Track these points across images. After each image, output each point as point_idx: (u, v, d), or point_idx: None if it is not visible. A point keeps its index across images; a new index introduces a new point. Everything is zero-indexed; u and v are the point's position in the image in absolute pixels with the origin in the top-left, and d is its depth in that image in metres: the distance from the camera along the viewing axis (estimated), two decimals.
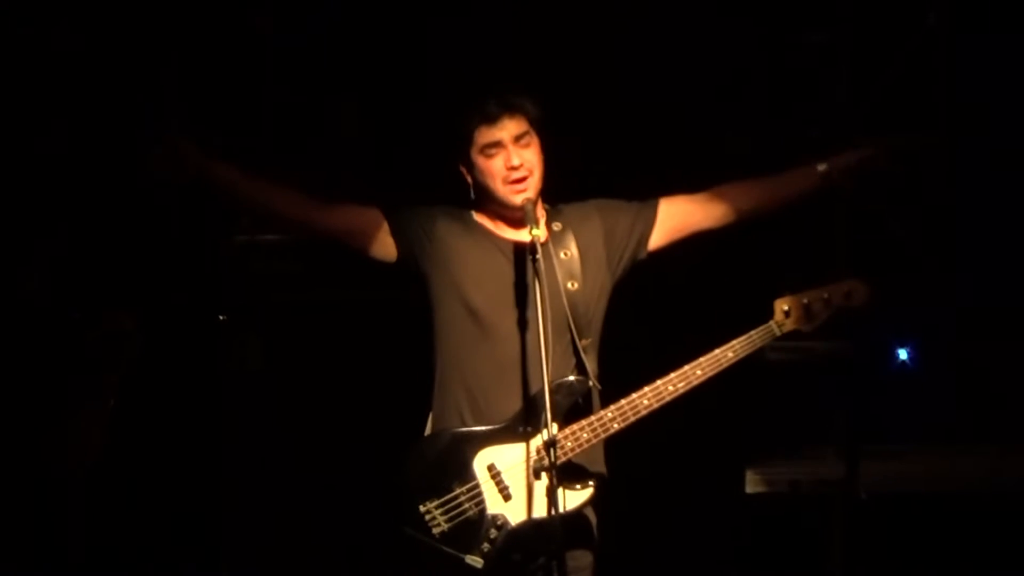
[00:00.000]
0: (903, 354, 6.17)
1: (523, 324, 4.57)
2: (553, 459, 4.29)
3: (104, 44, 5.59)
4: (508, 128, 4.63)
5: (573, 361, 4.62)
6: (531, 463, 4.48)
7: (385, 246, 4.69)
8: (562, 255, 4.67)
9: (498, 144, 4.63)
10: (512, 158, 4.62)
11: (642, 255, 4.78)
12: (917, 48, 6.19)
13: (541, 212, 4.70)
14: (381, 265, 4.70)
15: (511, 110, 4.65)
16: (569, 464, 4.53)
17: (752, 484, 6.29)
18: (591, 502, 4.56)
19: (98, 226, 5.36)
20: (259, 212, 4.79)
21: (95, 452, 4.78)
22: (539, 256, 4.45)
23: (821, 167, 4.83)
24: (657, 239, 4.78)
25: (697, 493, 6.19)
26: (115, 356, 4.85)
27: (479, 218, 4.74)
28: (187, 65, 5.70)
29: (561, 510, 4.39)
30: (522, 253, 4.59)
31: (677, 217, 4.79)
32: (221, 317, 5.83)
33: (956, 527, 6.26)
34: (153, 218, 5.67)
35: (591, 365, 4.64)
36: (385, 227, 4.68)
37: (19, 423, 4.58)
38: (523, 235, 4.56)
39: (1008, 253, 6.22)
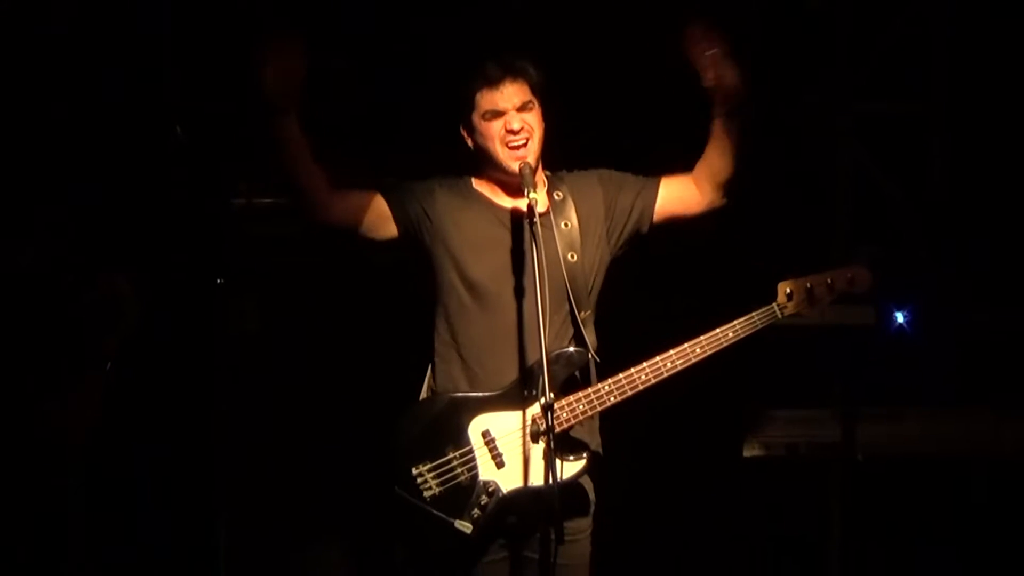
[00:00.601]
0: (900, 317, 6.17)
1: (520, 291, 4.55)
2: (550, 422, 4.27)
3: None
4: (510, 93, 4.61)
5: (571, 332, 4.61)
6: (527, 428, 4.48)
7: (387, 230, 4.67)
8: (563, 225, 4.64)
9: (500, 113, 4.61)
10: (512, 122, 4.59)
11: (644, 231, 4.76)
12: (916, 13, 6.17)
13: (541, 178, 4.69)
14: (381, 245, 4.68)
15: (513, 73, 4.63)
16: (564, 435, 4.53)
17: (750, 448, 6.32)
18: (585, 472, 4.57)
19: (96, 191, 5.36)
20: (289, 174, 4.59)
21: (93, 417, 4.78)
22: (536, 220, 4.42)
23: (714, 113, 4.72)
24: (656, 217, 4.75)
25: (694, 457, 6.20)
26: (112, 320, 4.84)
27: (478, 186, 4.72)
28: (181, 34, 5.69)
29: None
30: (520, 221, 4.56)
31: (675, 200, 4.76)
32: (219, 280, 5.83)
33: (953, 490, 6.28)
34: (151, 182, 5.67)
35: (590, 338, 4.63)
36: (386, 211, 4.65)
37: (14, 390, 4.58)
38: (522, 203, 4.51)
39: (1007, 215, 6.22)
